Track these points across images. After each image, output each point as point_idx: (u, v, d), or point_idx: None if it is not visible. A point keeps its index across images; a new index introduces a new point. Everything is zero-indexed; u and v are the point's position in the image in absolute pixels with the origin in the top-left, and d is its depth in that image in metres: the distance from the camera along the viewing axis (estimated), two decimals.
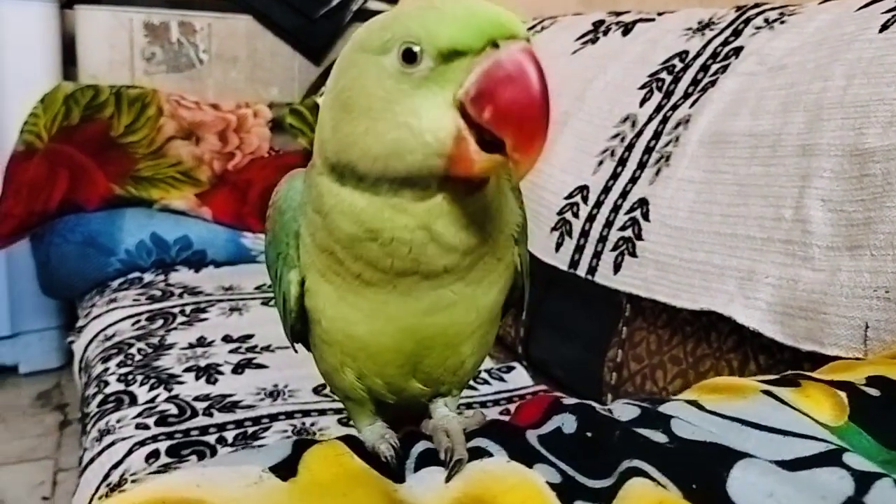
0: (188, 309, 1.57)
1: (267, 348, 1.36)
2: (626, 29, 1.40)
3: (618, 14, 1.48)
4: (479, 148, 0.47)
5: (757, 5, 1.21)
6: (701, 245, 1.02)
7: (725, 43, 1.18)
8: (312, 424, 1.11)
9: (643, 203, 1.13)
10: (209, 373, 1.27)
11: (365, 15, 2.43)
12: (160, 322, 1.50)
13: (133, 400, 1.19)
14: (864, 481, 0.49)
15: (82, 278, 1.81)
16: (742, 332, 0.97)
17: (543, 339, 1.32)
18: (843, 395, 0.60)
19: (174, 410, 1.14)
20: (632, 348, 1.13)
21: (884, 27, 0.93)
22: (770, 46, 1.10)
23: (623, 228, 1.14)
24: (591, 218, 1.21)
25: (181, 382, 1.24)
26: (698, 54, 1.21)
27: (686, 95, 1.17)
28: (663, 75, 1.24)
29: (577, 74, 1.40)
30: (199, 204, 1.95)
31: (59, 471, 1.82)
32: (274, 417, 1.12)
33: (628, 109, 1.25)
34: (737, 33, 1.18)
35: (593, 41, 1.45)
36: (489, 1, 0.49)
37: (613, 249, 1.15)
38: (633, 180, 1.17)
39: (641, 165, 1.17)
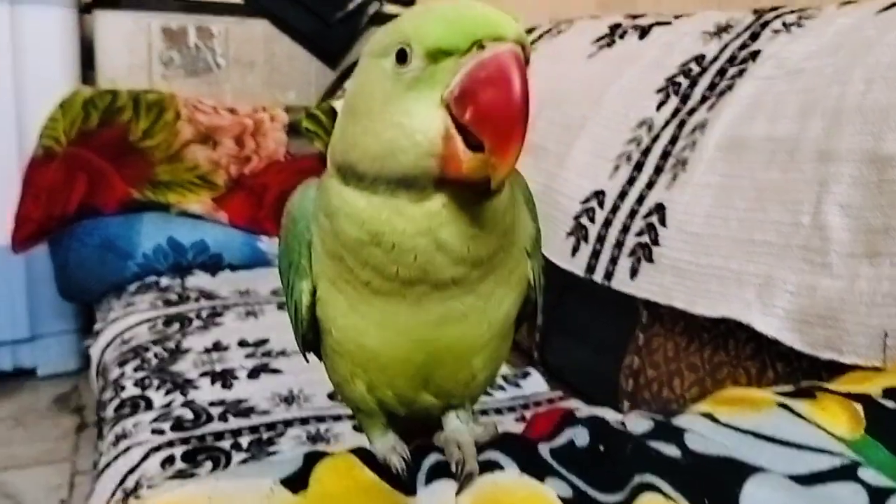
0: (204, 313, 1.58)
1: (282, 353, 1.37)
2: (643, 32, 1.39)
3: (634, 17, 1.47)
4: (467, 148, 0.47)
5: (774, 8, 1.20)
6: (718, 251, 1.01)
7: (743, 46, 1.17)
8: (327, 430, 1.11)
9: (660, 208, 1.12)
10: (224, 378, 1.27)
11: (381, 19, 2.43)
12: (176, 326, 1.51)
13: (149, 404, 1.20)
14: (878, 497, 0.48)
15: (100, 282, 1.82)
16: (760, 339, 0.96)
17: (559, 344, 1.31)
18: (859, 407, 0.59)
19: (189, 415, 1.15)
20: (649, 355, 1.12)
21: None
22: (788, 50, 1.09)
23: (640, 234, 1.13)
24: (607, 223, 1.20)
25: (196, 387, 1.24)
26: (715, 58, 1.20)
27: (703, 99, 1.16)
28: (680, 79, 1.23)
29: (594, 78, 1.39)
30: (215, 208, 1.96)
31: (77, 473, 1.83)
32: (289, 423, 1.12)
33: (645, 113, 1.24)
34: (754, 37, 1.17)
35: (610, 44, 1.44)
36: (491, 4, 0.49)
37: (630, 255, 1.14)
38: (650, 185, 1.16)
39: (658, 170, 1.16)
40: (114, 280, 1.81)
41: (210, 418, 1.14)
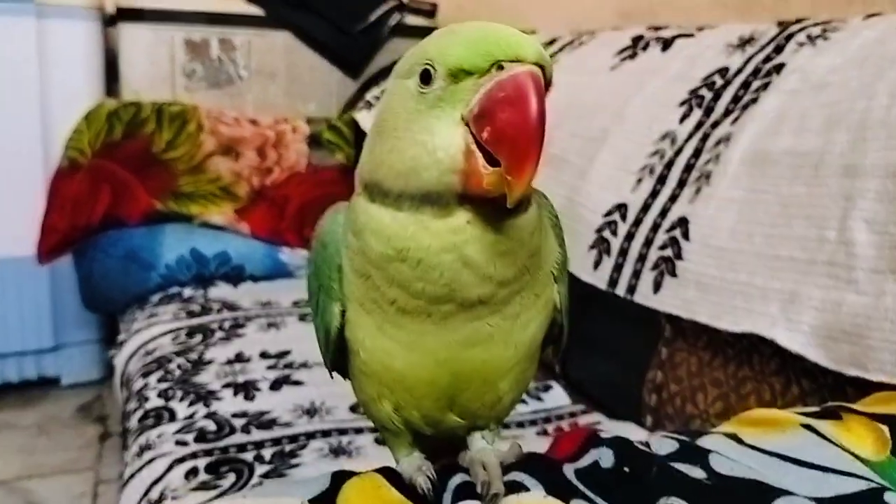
0: (226, 324, 1.59)
1: (304, 365, 1.37)
2: (666, 44, 1.39)
3: (657, 29, 1.47)
4: (487, 163, 0.48)
5: (799, 21, 1.19)
6: (743, 266, 1.01)
7: (767, 59, 1.17)
8: (349, 443, 1.11)
9: (683, 222, 1.11)
10: (247, 389, 1.27)
11: (403, 30, 2.44)
12: (199, 337, 1.52)
13: (172, 416, 1.20)
14: None
15: (123, 293, 1.83)
16: (784, 354, 0.95)
17: (581, 358, 1.30)
18: (885, 428, 0.58)
19: (213, 427, 1.15)
20: (672, 369, 1.12)
21: None
22: (813, 63, 1.08)
23: (663, 247, 1.13)
24: (629, 236, 1.20)
25: (219, 399, 1.25)
26: (739, 71, 1.20)
27: (727, 112, 1.16)
28: (703, 92, 1.23)
29: (616, 90, 1.39)
30: (237, 219, 1.97)
31: (100, 482, 1.84)
32: (311, 435, 1.13)
33: (668, 126, 1.24)
34: (778, 50, 1.16)
35: (632, 56, 1.44)
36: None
37: (653, 269, 1.14)
38: (673, 199, 1.16)
39: (681, 184, 1.16)
40: (137, 291, 1.82)
41: (233, 430, 1.14)
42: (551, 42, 1.72)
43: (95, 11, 2.14)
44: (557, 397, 1.28)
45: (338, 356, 0.61)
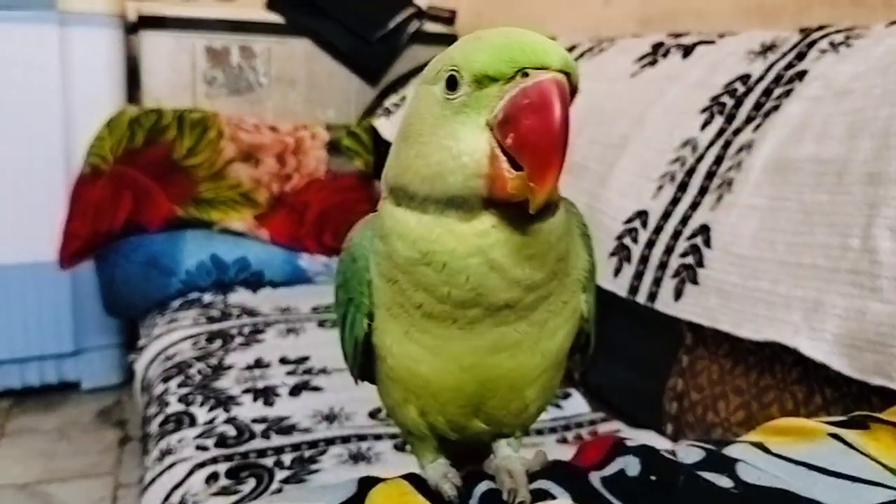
0: (246, 330, 1.59)
1: (323, 371, 1.38)
2: (686, 51, 1.38)
3: (677, 36, 1.46)
4: (511, 168, 0.48)
5: (821, 28, 1.19)
6: (765, 274, 1.00)
7: (789, 66, 1.16)
8: (369, 449, 1.11)
9: (705, 229, 1.11)
10: (266, 395, 1.28)
11: (422, 37, 2.44)
12: (219, 343, 1.53)
13: (193, 420, 1.21)
14: None
15: (144, 298, 1.85)
16: (807, 363, 0.94)
17: (601, 365, 1.30)
18: None
19: (233, 432, 1.16)
20: (693, 377, 1.11)
21: None
22: (836, 70, 1.08)
23: (684, 255, 1.13)
24: (650, 244, 1.19)
25: (239, 404, 1.25)
26: (761, 78, 1.19)
27: (748, 120, 1.15)
28: (725, 99, 1.22)
29: (636, 97, 1.38)
30: (257, 226, 1.98)
31: (119, 487, 1.85)
32: (330, 441, 1.13)
33: (689, 133, 1.24)
34: (801, 56, 1.16)
35: (653, 63, 1.44)
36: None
37: (674, 276, 1.13)
38: (694, 206, 1.15)
39: (702, 191, 1.15)
40: (158, 296, 1.83)
41: (253, 435, 1.15)
42: (571, 49, 1.72)
43: (117, 19, 2.16)
44: (577, 405, 1.28)
45: (364, 361, 0.61)
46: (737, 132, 1.16)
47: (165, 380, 1.39)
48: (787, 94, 1.12)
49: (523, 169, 0.48)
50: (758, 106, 1.16)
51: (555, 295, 0.55)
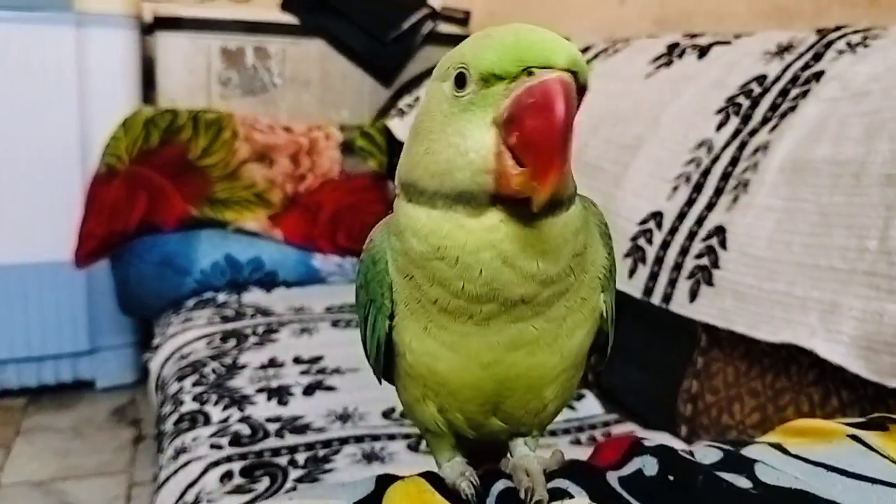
0: (260, 329, 1.60)
1: (336, 370, 1.38)
2: (702, 52, 1.38)
3: (693, 36, 1.46)
4: (516, 164, 0.48)
5: (838, 28, 1.18)
6: (781, 275, 1.00)
7: (806, 67, 1.16)
8: (382, 449, 1.11)
9: (720, 231, 1.10)
10: (280, 394, 1.28)
11: (436, 38, 2.45)
12: (233, 342, 1.53)
13: (207, 419, 1.22)
14: None
15: (159, 298, 1.85)
16: (823, 365, 0.94)
17: (615, 366, 1.28)
18: None
19: (247, 431, 1.16)
20: (708, 379, 1.11)
21: None
22: (853, 71, 1.07)
23: (699, 256, 1.12)
24: (665, 245, 1.19)
25: (253, 403, 1.26)
26: (777, 78, 1.19)
27: (765, 121, 1.15)
28: (741, 100, 1.22)
29: (652, 98, 1.38)
30: (271, 226, 1.99)
31: (134, 485, 1.86)
32: (344, 441, 1.13)
33: (704, 134, 1.23)
34: (817, 57, 1.15)
35: (668, 64, 1.43)
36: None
37: (689, 277, 1.13)
38: (710, 207, 1.15)
39: (718, 192, 1.15)
40: (172, 296, 1.84)
41: (267, 434, 1.15)
42: (585, 49, 1.71)
43: (133, 20, 2.17)
44: (590, 406, 1.28)
45: (385, 359, 0.61)
46: (753, 133, 1.15)
47: (180, 379, 1.39)
48: (804, 94, 1.12)
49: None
50: (774, 107, 1.15)
51: (572, 291, 0.55)
